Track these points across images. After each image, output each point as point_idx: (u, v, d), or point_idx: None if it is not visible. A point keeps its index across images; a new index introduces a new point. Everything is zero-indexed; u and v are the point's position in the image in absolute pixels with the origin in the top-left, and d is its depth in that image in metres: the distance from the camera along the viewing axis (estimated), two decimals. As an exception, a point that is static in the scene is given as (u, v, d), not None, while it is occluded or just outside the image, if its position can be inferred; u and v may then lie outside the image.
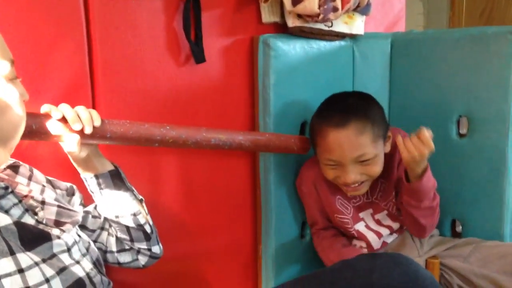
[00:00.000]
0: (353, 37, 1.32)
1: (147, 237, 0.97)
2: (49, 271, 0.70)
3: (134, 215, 0.94)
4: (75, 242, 0.79)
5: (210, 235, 1.24)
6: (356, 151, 1.07)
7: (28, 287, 0.66)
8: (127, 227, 0.94)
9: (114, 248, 0.97)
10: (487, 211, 1.20)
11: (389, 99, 1.37)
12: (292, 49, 1.22)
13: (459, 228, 1.27)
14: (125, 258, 0.98)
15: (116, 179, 0.93)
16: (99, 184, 0.92)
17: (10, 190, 0.74)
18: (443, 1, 3.12)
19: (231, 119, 1.21)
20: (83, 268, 0.77)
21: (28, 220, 0.74)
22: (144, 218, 0.96)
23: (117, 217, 0.94)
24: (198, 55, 1.11)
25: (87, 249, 0.84)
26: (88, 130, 0.83)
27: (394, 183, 1.18)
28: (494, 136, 1.16)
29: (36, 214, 0.77)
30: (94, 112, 0.86)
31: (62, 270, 0.72)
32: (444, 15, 3.16)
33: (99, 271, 0.83)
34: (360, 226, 1.23)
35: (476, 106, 1.18)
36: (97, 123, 0.85)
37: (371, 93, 1.35)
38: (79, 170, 0.91)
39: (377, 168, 1.10)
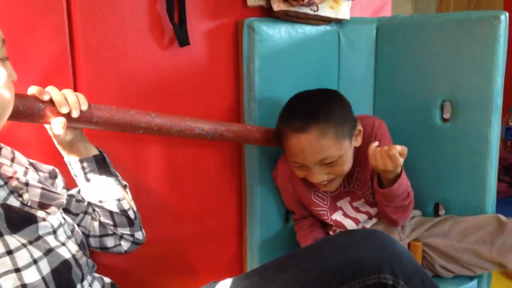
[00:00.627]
0: (338, 21, 1.31)
1: (131, 223, 0.96)
2: (37, 253, 0.70)
3: (118, 200, 0.94)
4: (61, 225, 0.79)
5: (195, 219, 1.24)
6: (318, 155, 1.07)
7: (18, 269, 0.67)
8: (111, 212, 0.94)
9: (97, 233, 0.96)
10: (469, 195, 1.21)
11: (374, 83, 1.37)
12: (277, 33, 1.21)
13: (442, 212, 1.28)
14: (107, 242, 0.98)
15: (100, 163, 0.93)
16: (83, 168, 0.91)
17: None
18: (432, -11, 3.13)
19: (216, 103, 1.21)
20: (69, 250, 0.77)
21: (13, 202, 0.74)
22: (128, 203, 0.95)
23: (100, 202, 0.94)
24: (182, 38, 1.10)
25: (72, 232, 0.84)
26: (75, 114, 0.83)
27: (370, 173, 1.19)
28: (477, 120, 1.17)
29: (21, 196, 0.76)
30: (81, 96, 0.86)
31: (49, 252, 0.72)
32: (433, 3, 3.16)
33: (84, 254, 0.83)
34: (337, 216, 1.24)
35: (459, 91, 1.19)
36: (84, 107, 0.85)
37: (356, 77, 1.36)
38: (63, 153, 0.91)
39: (344, 167, 1.10)
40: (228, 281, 0.94)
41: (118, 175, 0.96)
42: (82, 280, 0.77)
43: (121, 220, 0.95)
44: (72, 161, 0.91)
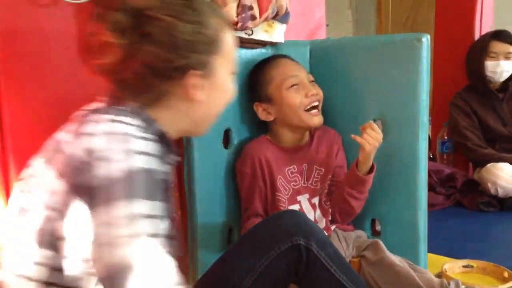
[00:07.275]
0: (273, 45, 1.34)
1: None
2: None
3: None
4: None
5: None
6: (303, 70, 1.29)
7: None
8: None
9: None
10: (403, 209, 1.26)
11: (308, 104, 1.40)
12: (212, 56, 1.22)
13: (378, 227, 1.32)
14: None
15: None
16: None
17: None
18: (371, 10, 3.26)
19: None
20: None
21: None
22: None
23: None
24: (114, 63, 1.08)
25: None
26: None
27: (331, 171, 1.29)
28: (406, 137, 1.22)
29: None
30: None
31: None
32: (372, 22, 3.31)
33: None
34: (294, 208, 1.26)
35: (388, 110, 1.24)
36: None
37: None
38: None
39: (320, 92, 1.29)
40: None
41: None
42: None
43: None
44: None
